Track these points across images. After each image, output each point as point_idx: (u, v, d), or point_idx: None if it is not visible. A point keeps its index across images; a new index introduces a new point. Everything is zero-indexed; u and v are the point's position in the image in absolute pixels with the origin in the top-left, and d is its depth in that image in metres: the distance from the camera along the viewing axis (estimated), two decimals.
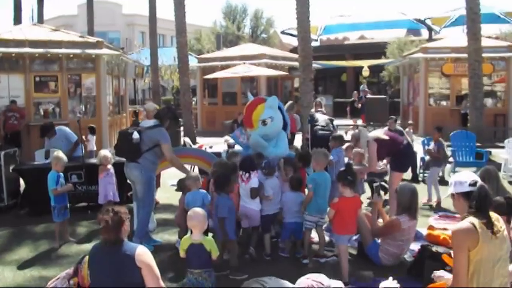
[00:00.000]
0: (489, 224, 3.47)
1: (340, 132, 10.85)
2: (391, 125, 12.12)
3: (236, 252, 6.12)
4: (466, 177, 3.82)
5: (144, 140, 6.79)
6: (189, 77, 19.62)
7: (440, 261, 5.39)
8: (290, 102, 14.89)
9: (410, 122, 15.46)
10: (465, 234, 3.49)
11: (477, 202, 3.55)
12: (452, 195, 3.86)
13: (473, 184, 3.70)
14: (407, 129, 13.61)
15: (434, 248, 5.82)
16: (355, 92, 19.65)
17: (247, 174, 6.43)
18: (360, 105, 22.39)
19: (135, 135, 6.75)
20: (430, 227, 7.29)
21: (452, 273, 3.62)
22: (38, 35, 15.83)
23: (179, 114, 20.41)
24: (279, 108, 7.48)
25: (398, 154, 7.92)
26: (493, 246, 3.47)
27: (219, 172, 6.45)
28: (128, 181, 7.58)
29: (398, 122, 14.91)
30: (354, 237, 6.63)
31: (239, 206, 6.51)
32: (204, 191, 6.46)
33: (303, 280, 5.26)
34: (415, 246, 6.31)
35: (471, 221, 3.50)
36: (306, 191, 6.70)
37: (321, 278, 5.35)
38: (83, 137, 11.07)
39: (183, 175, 7.18)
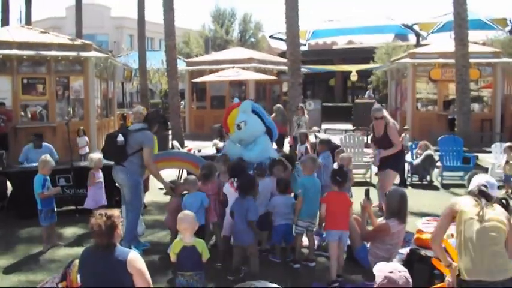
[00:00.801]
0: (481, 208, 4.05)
1: (328, 136, 10.90)
2: None
3: (257, 256, 6.08)
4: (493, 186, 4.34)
5: (130, 142, 6.72)
6: (177, 80, 19.60)
7: (429, 265, 5.43)
8: (277, 105, 15.03)
9: (406, 127, 15.43)
10: (456, 204, 4.20)
11: (480, 192, 4.18)
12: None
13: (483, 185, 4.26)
14: (403, 135, 13.59)
15: (423, 252, 5.86)
16: (366, 96, 19.28)
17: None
18: None
19: (120, 137, 6.69)
20: (419, 231, 7.30)
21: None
22: (26, 36, 15.74)
23: (167, 118, 20.41)
24: (256, 112, 7.52)
25: (399, 152, 8.05)
26: (480, 227, 3.97)
27: (242, 175, 6.43)
28: (116, 184, 7.55)
29: None
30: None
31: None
32: (203, 193, 6.44)
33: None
34: (404, 250, 6.34)
35: (464, 198, 4.23)
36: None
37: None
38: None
39: (172, 178, 7.17)
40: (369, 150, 12.59)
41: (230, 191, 6.52)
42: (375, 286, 3.44)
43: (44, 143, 10.41)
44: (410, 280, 3.45)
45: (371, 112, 8.55)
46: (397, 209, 6.00)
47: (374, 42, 36.02)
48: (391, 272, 3.37)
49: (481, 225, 3.99)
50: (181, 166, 8.91)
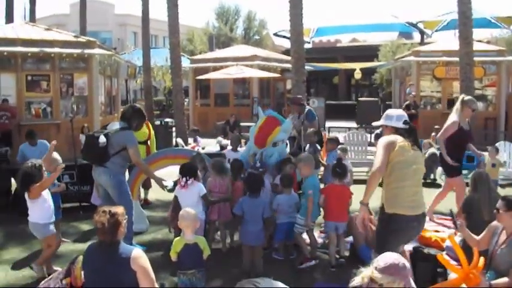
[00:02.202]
0: (410, 142, 4.77)
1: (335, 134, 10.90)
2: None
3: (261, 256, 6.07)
4: (396, 113, 5.04)
5: (112, 143, 6.55)
6: (181, 77, 19.58)
7: (432, 263, 5.44)
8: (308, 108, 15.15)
9: (437, 126, 14.73)
10: (388, 140, 4.76)
11: (409, 133, 4.86)
12: (385, 126, 5.01)
13: (406, 123, 4.88)
14: (433, 134, 13.48)
15: (426, 250, 5.87)
16: (412, 94, 18.48)
17: (190, 180, 6.27)
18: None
19: (102, 138, 6.49)
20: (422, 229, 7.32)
21: (374, 161, 4.78)
22: (30, 33, 15.78)
23: (171, 115, 20.42)
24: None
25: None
26: (410, 155, 4.72)
27: (250, 173, 6.48)
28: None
29: None
30: (347, 239, 6.67)
31: None
32: (199, 183, 6.42)
33: None
34: (407, 248, 6.34)
35: (396, 136, 4.81)
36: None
37: None
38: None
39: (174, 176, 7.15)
40: (373, 149, 12.60)
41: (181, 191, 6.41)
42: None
43: (39, 140, 10.36)
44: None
45: (468, 103, 8.16)
46: None
47: (378, 40, 36.06)
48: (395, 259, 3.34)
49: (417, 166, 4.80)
50: (173, 163, 8.79)
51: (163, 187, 6.87)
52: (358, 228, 6.27)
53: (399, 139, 4.75)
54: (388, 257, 3.17)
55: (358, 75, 33.22)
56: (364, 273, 3.16)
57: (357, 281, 3.17)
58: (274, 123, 7.45)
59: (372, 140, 13.50)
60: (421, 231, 5.21)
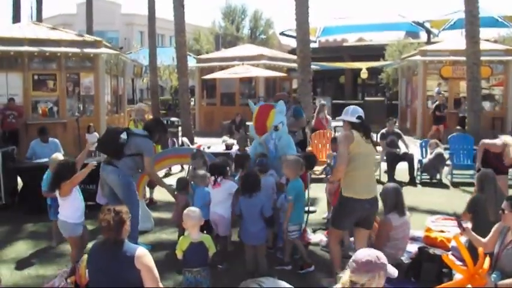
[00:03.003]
0: (365, 135, 5.42)
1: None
2: (389, 127, 12.18)
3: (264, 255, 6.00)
4: (351, 108, 5.59)
5: (130, 144, 6.64)
6: (187, 77, 19.60)
7: (438, 263, 5.42)
8: (321, 102, 15.20)
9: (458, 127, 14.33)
10: (346, 136, 5.40)
11: (362, 127, 5.42)
12: (344, 121, 5.56)
13: (359, 118, 5.43)
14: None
15: (431, 250, 5.85)
16: (440, 94, 18.17)
17: (219, 178, 6.38)
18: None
19: (124, 135, 6.64)
20: (428, 229, 7.31)
21: (337, 157, 5.61)
22: (36, 33, 15.82)
23: (177, 114, 20.46)
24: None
25: None
26: (364, 147, 5.37)
27: (246, 173, 6.40)
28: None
29: (396, 124, 14.87)
30: (352, 239, 6.65)
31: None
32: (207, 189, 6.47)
33: None
34: (413, 248, 6.33)
35: (352, 131, 5.40)
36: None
37: None
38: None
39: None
40: (378, 148, 12.56)
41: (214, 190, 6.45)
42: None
43: (51, 138, 10.43)
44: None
45: None
46: (393, 202, 6.00)
47: (385, 39, 35.93)
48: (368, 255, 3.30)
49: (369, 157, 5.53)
50: (177, 162, 8.83)
51: (174, 196, 6.97)
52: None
53: (355, 133, 5.37)
54: (360, 256, 3.14)
55: (364, 74, 33.10)
56: (343, 279, 3.15)
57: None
58: (268, 109, 7.53)
59: (378, 140, 13.46)
60: (373, 212, 5.61)
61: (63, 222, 5.89)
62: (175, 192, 6.96)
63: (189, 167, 9.63)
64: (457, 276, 4.93)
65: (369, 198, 5.40)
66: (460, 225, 5.27)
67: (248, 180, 5.99)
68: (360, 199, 5.35)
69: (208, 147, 11.03)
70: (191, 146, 12.07)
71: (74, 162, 5.91)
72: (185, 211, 4.99)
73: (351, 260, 3.16)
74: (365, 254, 3.15)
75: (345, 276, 3.13)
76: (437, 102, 17.80)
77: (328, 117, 15.65)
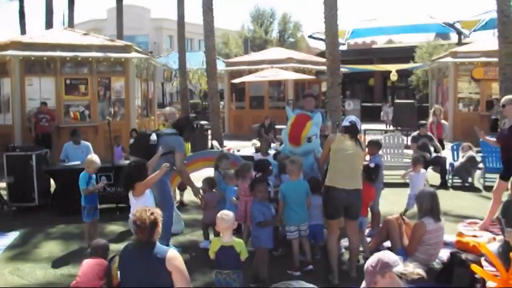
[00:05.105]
0: (350, 137, 5.98)
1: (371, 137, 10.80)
2: (421, 131, 11.99)
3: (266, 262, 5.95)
4: (347, 120, 6.17)
5: (161, 144, 6.77)
6: (216, 80, 19.68)
7: (470, 269, 5.32)
8: (436, 106, 14.85)
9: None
10: (331, 138, 6.20)
11: (347, 130, 6.03)
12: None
13: (352, 122, 6.05)
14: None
15: (463, 255, 5.74)
16: None
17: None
18: None
19: (153, 136, 6.81)
20: (460, 234, 7.20)
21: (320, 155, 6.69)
22: (68, 39, 16.13)
23: (206, 117, 20.56)
24: None
25: None
26: (345, 144, 5.94)
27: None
28: None
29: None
30: (384, 244, 6.61)
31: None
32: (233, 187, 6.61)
33: None
34: (444, 253, 6.24)
35: (336, 134, 6.20)
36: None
37: None
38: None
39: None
40: (409, 151, 12.43)
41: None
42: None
43: (82, 141, 10.64)
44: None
45: None
46: (429, 207, 5.93)
47: (414, 41, 35.57)
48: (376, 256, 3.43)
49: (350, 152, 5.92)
50: (207, 165, 8.83)
51: (199, 197, 7.10)
52: (396, 231, 6.29)
53: (338, 134, 6.18)
54: (370, 261, 3.35)
55: (394, 77, 32.79)
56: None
57: None
58: (305, 119, 7.42)
59: (409, 143, 13.32)
60: (354, 204, 5.96)
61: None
62: (202, 194, 7.12)
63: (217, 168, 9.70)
64: (490, 284, 4.84)
65: (346, 189, 5.82)
66: (502, 229, 5.20)
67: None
68: (336, 187, 5.83)
69: (238, 151, 11.08)
70: (221, 149, 12.10)
71: (146, 162, 5.96)
72: (219, 214, 5.02)
73: (365, 267, 3.38)
74: (374, 257, 3.37)
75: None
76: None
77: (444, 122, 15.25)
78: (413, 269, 3.32)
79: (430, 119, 13.68)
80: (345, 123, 6.15)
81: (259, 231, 5.93)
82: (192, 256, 6.79)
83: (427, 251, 5.92)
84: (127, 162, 8.33)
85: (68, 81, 15.45)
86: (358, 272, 5.85)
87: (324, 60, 16.81)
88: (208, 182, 7.49)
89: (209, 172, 8.30)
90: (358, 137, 6.15)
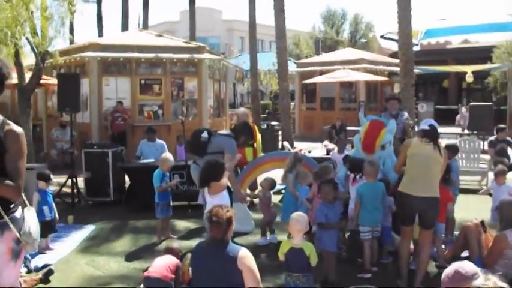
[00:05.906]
0: (429, 141, 5.76)
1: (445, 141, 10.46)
2: (500, 135, 11.38)
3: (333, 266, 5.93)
4: (426, 123, 5.98)
5: (212, 143, 6.95)
6: (287, 81, 19.68)
7: None
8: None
9: None
10: (408, 142, 6.08)
11: (426, 134, 5.81)
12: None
13: (431, 125, 5.85)
14: None
15: None
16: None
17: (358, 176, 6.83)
18: None
19: (205, 134, 7.01)
20: None
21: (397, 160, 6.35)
22: (143, 40, 16.58)
23: (277, 118, 20.60)
24: None
25: None
26: (423, 149, 5.75)
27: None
28: None
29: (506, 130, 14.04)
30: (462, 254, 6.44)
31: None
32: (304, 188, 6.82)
33: None
34: None
35: (414, 139, 6.05)
36: None
37: None
38: None
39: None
40: (486, 156, 11.95)
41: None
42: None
43: (158, 140, 10.96)
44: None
45: None
46: (511, 217, 5.64)
47: (492, 40, 34.11)
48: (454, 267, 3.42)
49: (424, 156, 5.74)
50: (276, 166, 8.82)
51: (243, 201, 7.38)
52: (475, 238, 6.07)
53: (414, 139, 6.03)
54: (448, 271, 3.34)
55: (469, 78, 31.64)
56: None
57: None
58: (379, 126, 7.23)
59: (485, 147, 12.77)
60: (428, 212, 5.73)
61: None
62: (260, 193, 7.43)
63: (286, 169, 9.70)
64: None
65: (420, 196, 5.61)
66: None
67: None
68: (410, 194, 5.66)
69: (309, 152, 11.03)
70: (292, 150, 12.09)
71: (223, 163, 5.94)
72: (293, 215, 5.02)
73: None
74: (452, 268, 3.35)
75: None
76: None
77: None
78: (496, 284, 3.05)
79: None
80: (424, 126, 5.91)
81: (321, 234, 5.91)
82: (262, 256, 6.81)
83: (506, 265, 5.56)
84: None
85: (142, 82, 15.86)
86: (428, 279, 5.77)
87: (396, 61, 16.49)
88: (268, 181, 7.59)
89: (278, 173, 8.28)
90: (438, 142, 5.86)
